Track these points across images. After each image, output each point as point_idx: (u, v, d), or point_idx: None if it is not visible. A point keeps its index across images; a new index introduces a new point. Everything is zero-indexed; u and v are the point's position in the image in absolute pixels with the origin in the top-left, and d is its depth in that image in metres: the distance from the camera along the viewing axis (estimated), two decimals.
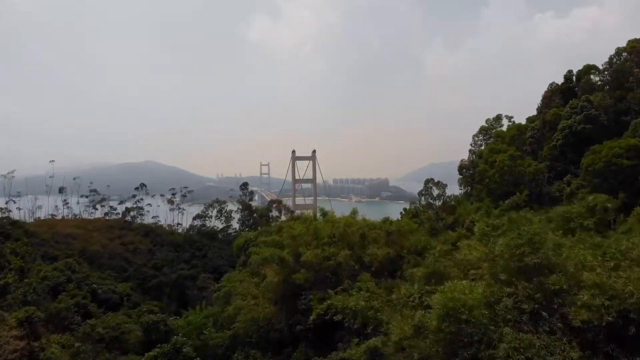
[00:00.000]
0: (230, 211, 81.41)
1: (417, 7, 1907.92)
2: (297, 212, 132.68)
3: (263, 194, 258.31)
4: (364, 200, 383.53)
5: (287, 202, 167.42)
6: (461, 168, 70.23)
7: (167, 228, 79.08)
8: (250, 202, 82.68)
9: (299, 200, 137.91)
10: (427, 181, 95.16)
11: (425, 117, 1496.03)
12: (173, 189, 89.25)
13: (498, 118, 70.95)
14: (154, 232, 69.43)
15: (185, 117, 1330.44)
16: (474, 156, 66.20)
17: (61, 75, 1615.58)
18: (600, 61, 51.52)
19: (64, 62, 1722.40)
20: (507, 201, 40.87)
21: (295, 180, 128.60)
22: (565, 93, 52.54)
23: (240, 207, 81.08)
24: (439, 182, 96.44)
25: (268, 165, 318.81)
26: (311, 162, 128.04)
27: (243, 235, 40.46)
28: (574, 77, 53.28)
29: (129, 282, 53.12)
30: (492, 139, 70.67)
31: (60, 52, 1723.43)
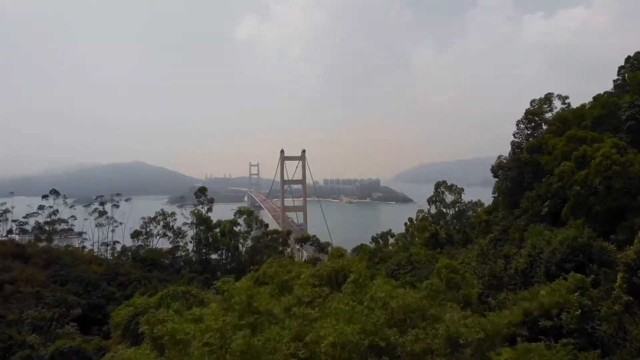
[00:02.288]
0: (180, 227, 60.17)
1: (406, 8, 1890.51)
2: (283, 220, 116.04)
3: (252, 195, 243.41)
4: (354, 201, 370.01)
5: (277, 202, 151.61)
6: (497, 168, 50.07)
7: (88, 252, 57.10)
8: (209, 213, 61.42)
9: (288, 202, 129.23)
10: (438, 185, 77.24)
11: (414, 117, 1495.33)
12: (101, 196, 66.67)
13: (547, 99, 51.90)
14: (61, 261, 47.67)
15: (175, 117, 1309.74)
16: (518, 150, 46.23)
17: (53, 75, 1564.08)
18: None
19: (55, 62, 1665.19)
20: None
21: (284, 181, 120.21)
22: None
23: (195, 220, 59.62)
24: (452, 185, 78.11)
25: (257, 165, 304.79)
26: (301, 162, 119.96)
27: (131, 302, 19.58)
28: None
29: None
30: (538, 127, 51.27)
31: (49, 53, 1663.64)
